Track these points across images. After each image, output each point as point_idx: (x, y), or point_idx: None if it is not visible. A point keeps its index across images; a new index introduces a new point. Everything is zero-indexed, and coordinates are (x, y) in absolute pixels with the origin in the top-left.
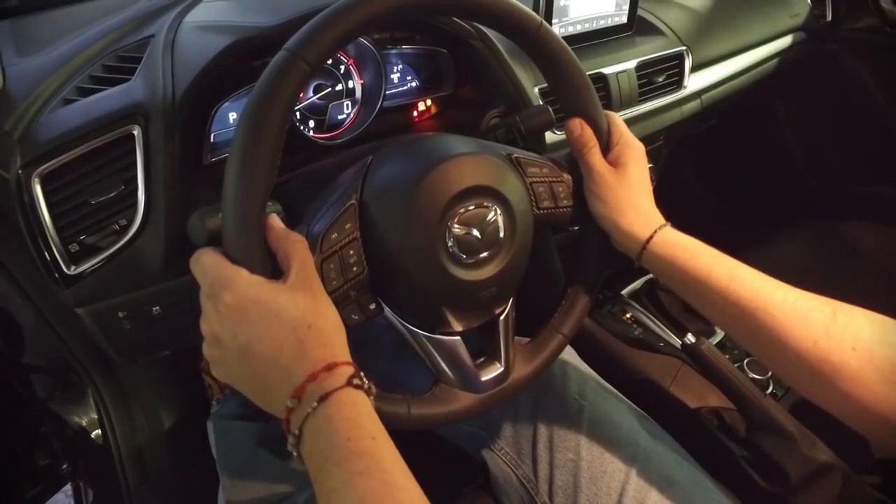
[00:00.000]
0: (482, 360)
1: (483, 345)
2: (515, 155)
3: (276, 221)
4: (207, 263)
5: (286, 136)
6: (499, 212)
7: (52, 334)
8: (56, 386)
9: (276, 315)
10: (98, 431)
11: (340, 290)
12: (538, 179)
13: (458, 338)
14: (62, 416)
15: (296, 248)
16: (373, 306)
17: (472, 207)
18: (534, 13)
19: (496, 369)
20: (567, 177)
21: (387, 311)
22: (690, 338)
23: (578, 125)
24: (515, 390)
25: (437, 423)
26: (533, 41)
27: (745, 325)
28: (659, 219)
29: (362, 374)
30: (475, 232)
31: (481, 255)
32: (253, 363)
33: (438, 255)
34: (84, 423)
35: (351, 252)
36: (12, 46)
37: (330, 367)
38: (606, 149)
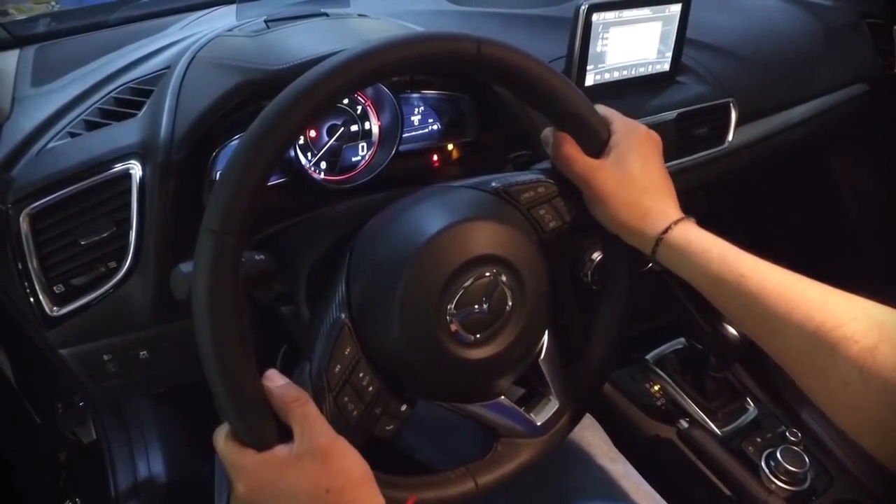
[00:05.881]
0: (534, 400)
1: (531, 382)
2: (502, 185)
3: (273, 383)
4: (220, 450)
5: (294, 178)
6: (501, 275)
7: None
8: (57, 403)
9: (290, 492)
10: (98, 449)
11: (364, 415)
12: (535, 203)
13: (502, 396)
14: (63, 434)
15: (294, 410)
16: (404, 408)
17: (468, 283)
18: (468, 35)
19: (553, 406)
20: (567, 184)
21: (423, 400)
22: (683, 423)
23: (549, 137)
24: (576, 421)
25: (506, 482)
26: (478, 64)
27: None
28: (670, 215)
29: None
30: (480, 306)
31: (492, 328)
32: None
33: (446, 347)
34: (85, 442)
35: (361, 375)
36: (29, 75)
37: None
38: (602, 146)
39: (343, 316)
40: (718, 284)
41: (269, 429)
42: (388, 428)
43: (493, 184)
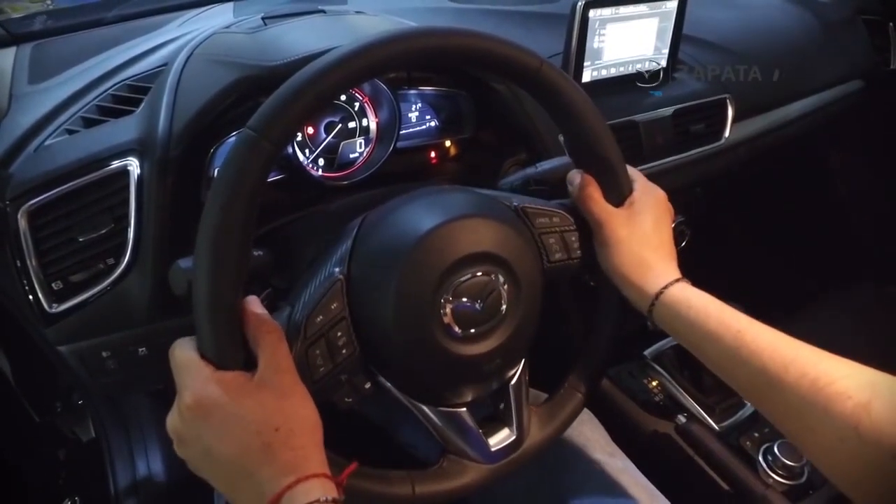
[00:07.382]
0: (493, 425)
1: (495, 408)
2: (521, 205)
3: (252, 307)
4: (176, 357)
5: (293, 175)
6: (500, 277)
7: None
8: (56, 402)
9: (240, 418)
10: (97, 448)
11: (329, 375)
12: (548, 230)
13: (465, 409)
14: (62, 432)
15: (266, 340)
16: (368, 385)
17: (468, 277)
18: (534, 53)
19: (509, 436)
20: (581, 223)
21: (387, 384)
22: (681, 418)
23: (577, 177)
24: (529, 457)
25: (445, 500)
26: (534, 82)
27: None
28: (670, 274)
29: (335, 481)
30: (474, 303)
31: (482, 328)
32: (218, 466)
33: (433, 332)
34: (84, 440)
35: (339, 333)
36: (26, 73)
37: (297, 483)
38: (623, 198)
39: (338, 271)
40: (715, 341)
41: (237, 350)
42: (346, 399)
43: (514, 201)
